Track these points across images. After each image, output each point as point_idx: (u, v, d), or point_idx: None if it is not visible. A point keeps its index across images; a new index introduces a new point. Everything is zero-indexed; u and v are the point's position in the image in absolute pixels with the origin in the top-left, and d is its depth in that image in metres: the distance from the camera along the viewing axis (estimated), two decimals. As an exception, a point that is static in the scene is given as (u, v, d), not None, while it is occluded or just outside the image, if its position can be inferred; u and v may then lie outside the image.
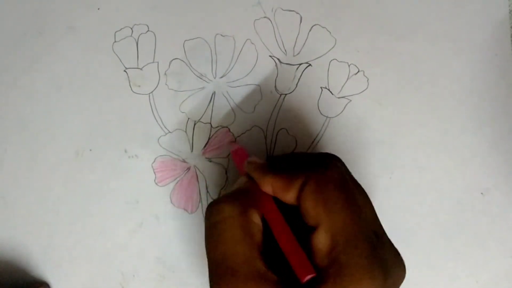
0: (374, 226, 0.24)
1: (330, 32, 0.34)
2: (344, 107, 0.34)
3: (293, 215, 0.25)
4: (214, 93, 0.33)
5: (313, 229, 0.23)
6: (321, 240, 0.23)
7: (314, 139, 0.34)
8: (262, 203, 0.25)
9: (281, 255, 0.24)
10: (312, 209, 0.23)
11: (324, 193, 0.23)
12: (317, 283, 0.22)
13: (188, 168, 0.33)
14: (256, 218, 0.24)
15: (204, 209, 0.33)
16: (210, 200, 0.33)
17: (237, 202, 0.24)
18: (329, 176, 0.24)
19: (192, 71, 0.34)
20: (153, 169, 0.33)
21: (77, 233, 0.33)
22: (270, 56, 0.34)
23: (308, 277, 0.22)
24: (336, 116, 0.34)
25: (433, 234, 0.33)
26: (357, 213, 0.23)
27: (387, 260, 0.23)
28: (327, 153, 0.27)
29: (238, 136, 0.33)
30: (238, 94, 0.34)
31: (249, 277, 0.22)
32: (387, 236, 0.25)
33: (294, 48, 0.34)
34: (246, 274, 0.22)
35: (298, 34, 0.34)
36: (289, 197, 0.25)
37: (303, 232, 0.24)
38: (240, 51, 0.34)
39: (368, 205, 0.25)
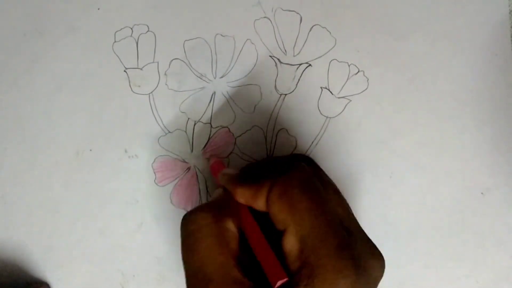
0: (346, 223, 0.24)
1: (330, 32, 0.34)
2: (344, 107, 0.34)
3: (269, 222, 0.25)
4: (214, 93, 0.33)
5: (282, 233, 0.23)
6: (290, 243, 0.23)
7: (314, 139, 0.34)
8: (237, 213, 0.25)
9: (258, 262, 0.24)
10: (279, 213, 0.23)
11: (288, 196, 0.23)
12: (291, 287, 0.22)
13: (188, 168, 0.33)
14: (231, 226, 0.24)
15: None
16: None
17: (212, 211, 0.24)
18: (292, 179, 0.24)
19: (192, 71, 0.34)
20: (153, 169, 0.33)
21: (77, 233, 0.33)
22: (270, 56, 0.34)
23: (280, 282, 0.22)
24: (336, 116, 0.34)
25: (433, 234, 0.33)
26: (323, 212, 0.23)
27: (360, 257, 0.22)
28: (295, 155, 0.27)
29: (238, 136, 0.33)
30: (238, 94, 0.34)
31: (224, 284, 0.22)
32: (362, 232, 0.25)
33: (294, 48, 0.34)
34: (222, 281, 0.22)
35: (298, 34, 0.34)
36: (259, 205, 0.25)
37: (277, 237, 0.24)
38: (240, 51, 0.34)
39: (339, 202, 0.25)
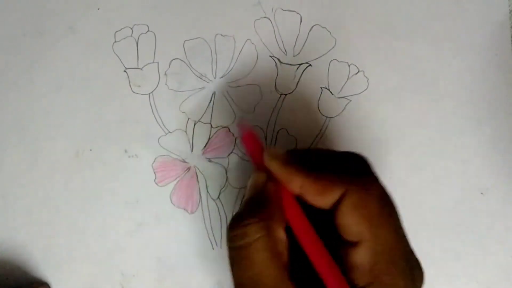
0: (408, 243, 0.24)
1: (330, 32, 0.34)
2: (344, 107, 0.34)
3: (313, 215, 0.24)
4: (214, 93, 0.33)
5: (350, 243, 0.23)
6: (363, 257, 0.22)
7: (314, 139, 0.34)
8: (286, 208, 0.23)
9: (307, 267, 0.23)
10: (354, 225, 0.22)
11: (367, 209, 0.22)
12: None
13: (188, 168, 0.33)
14: (281, 234, 0.23)
15: (204, 209, 0.33)
16: (210, 200, 0.33)
17: (262, 220, 0.22)
18: (370, 189, 0.23)
19: (192, 71, 0.34)
20: (153, 169, 0.33)
21: (77, 233, 0.33)
22: (270, 56, 0.34)
23: None
24: (336, 116, 0.34)
25: (433, 234, 0.33)
26: (398, 230, 0.23)
27: (417, 279, 0.23)
28: (361, 157, 0.25)
29: (238, 136, 0.33)
30: (238, 94, 0.34)
31: None
32: (414, 251, 0.24)
33: (294, 48, 0.34)
34: None
35: (298, 34, 0.34)
36: (322, 203, 0.23)
37: (332, 241, 0.23)
38: (240, 51, 0.34)
39: (401, 219, 0.24)
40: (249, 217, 0.23)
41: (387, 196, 0.23)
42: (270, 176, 0.24)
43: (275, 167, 0.24)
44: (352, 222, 0.22)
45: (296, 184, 0.23)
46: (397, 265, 0.22)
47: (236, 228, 0.23)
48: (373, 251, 0.22)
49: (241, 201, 0.25)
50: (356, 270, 0.22)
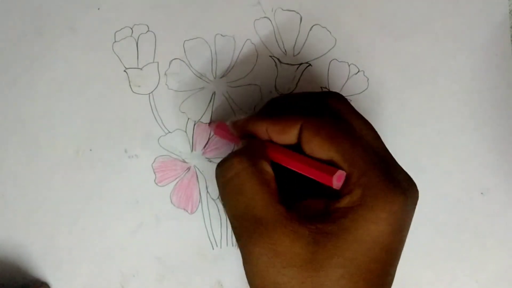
0: (381, 151, 0.25)
1: (330, 32, 0.34)
2: (344, 107, 0.34)
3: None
4: (214, 93, 0.33)
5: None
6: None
7: (314, 139, 0.33)
8: (266, 149, 0.26)
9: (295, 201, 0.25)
10: (319, 148, 0.24)
11: (326, 131, 0.24)
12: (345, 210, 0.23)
13: (188, 168, 0.33)
14: (267, 167, 0.25)
15: (204, 209, 0.33)
16: (210, 200, 0.33)
17: (244, 155, 0.25)
18: (325, 117, 0.25)
19: (192, 71, 0.34)
20: (153, 169, 0.33)
21: (77, 233, 0.33)
22: (270, 56, 0.34)
23: (339, 173, 0.23)
24: (336, 116, 0.34)
25: (433, 234, 0.33)
26: (362, 140, 0.24)
27: (401, 180, 0.24)
28: (325, 93, 0.28)
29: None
30: (238, 94, 0.34)
31: (274, 221, 0.23)
32: (394, 159, 0.25)
33: (294, 48, 0.34)
34: (272, 218, 0.23)
35: (298, 34, 0.34)
36: (289, 139, 0.25)
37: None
38: (240, 51, 0.34)
39: (370, 132, 0.26)
40: (235, 155, 0.25)
41: (341, 118, 0.26)
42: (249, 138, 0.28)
43: (240, 127, 0.28)
44: (317, 146, 0.24)
45: (262, 129, 0.26)
46: (376, 170, 0.23)
47: (224, 163, 0.25)
48: (347, 163, 0.23)
49: None
50: (344, 188, 0.23)
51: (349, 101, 0.27)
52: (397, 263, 0.24)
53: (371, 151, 0.24)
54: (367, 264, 0.22)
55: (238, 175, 0.24)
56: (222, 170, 0.25)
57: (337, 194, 0.24)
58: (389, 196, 0.22)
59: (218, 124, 0.32)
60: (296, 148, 0.25)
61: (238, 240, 0.24)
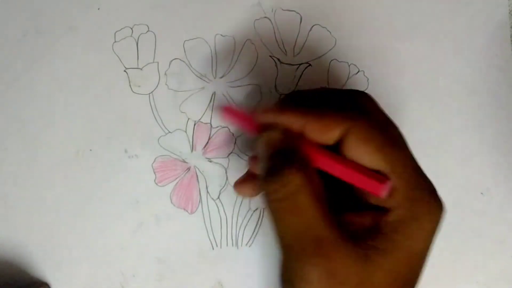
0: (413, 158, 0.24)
1: (330, 32, 0.34)
2: (344, 107, 0.34)
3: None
4: (214, 93, 0.33)
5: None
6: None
7: (314, 139, 0.33)
8: (307, 150, 0.23)
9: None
10: (366, 156, 0.22)
11: (375, 139, 0.23)
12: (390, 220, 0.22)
13: (188, 168, 0.33)
14: (318, 177, 0.23)
15: (204, 209, 0.33)
16: (210, 200, 0.33)
17: (301, 166, 0.22)
18: (373, 120, 0.23)
19: (192, 71, 0.34)
20: (153, 169, 0.33)
21: (77, 233, 0.33)
22: (270, 56, 0.34)
23: (389, 183, 0.22)
24: (336, 116, 0.34)
25: (433, 234, 0.33)
26: (408, 150, 0.24)
27: (435, 190, 0.24)
28: (353, 91, 0.26)
29: (238, 136, 0.33)
30: (238, 94, 0.34)
31: (336, 240, 0.21)
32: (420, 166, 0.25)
33: (294, 48, 0.34)
34: (334, 238, 0.22)
35: (298, 34, 0.34)
36: (327, 139, 0.23)
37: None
38: (240, 51, 0.34)
39: (404, 139, 0.25)
40: (286, 167, 0.22)
41: (392, 123, 0.25)
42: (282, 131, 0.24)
43: (271, 117, 0.24)
44: (365, 155, 0.22)
45: (298, 124, 0.23)
46: (423, 185, 0.23)
47: (275, 176, 0.22)
48: (396, 174, 0.22)
49: (257, 161, 0.24)
50: (390, 200, 0.23)
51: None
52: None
53: (415, 162, 0.23)
54: (410, 274, 0.23)
55: (297, 193, 0.22)
56: (276, 186, 0.22)
57: (381, 208, 0.23)
58: (433, 208, 0.22)
59: (225, 107, 0.27)
60: (332, 149, 0.24)
61: (291, 259, 0.22)
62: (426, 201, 0.22)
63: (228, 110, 0.27)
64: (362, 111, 0.24)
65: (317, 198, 0.22)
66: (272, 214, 0.22)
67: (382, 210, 0.23)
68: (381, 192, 0.22)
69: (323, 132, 0.23)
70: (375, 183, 0.22)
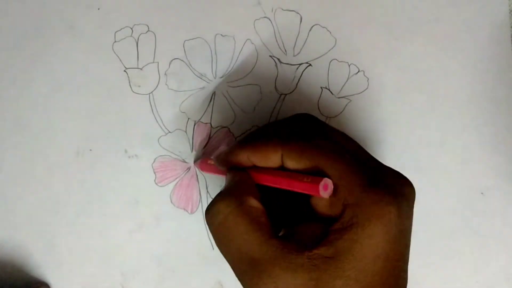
0: (364, 159, 0.25)
1: (330, 32, 0.34)
2: (344, 107, 0.34)
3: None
4: (214, 93, 0.33)
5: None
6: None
7: (314, 139, 0.33)
8: (250, 179, 0.26)
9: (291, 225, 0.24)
10: (305, 169, 0.24)
11: (307, 152, 0.24)
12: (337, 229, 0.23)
13: (188, 168, 0.33)
14: (254, 203, 0.24)
15: (204, 209, 0.33)
16: (210, 200, 0.33)
17: (230, 196, 0.24)
18: (304, 139, 0.25)
19: (192, 71, 0.34)
20: (153, 169, 0.33)
21: (77, 233, 0.33)
22: (270, 56, 0.34)
23: (324, 181, 0.22)
24: (336, 116, 0.34)
25: (433, 234, 0.33)
26: (343, 154, 0.24)
27: (391, 185, 0.23)
28: (296, 116, 0.28)
29: (238, 136, 0.33)
30: (238, 94, 0.34)
31: (272, 257, 0.22)
32: (381, 164, 0.25)
33: (294, 48, 0.34)
34: (269, 256, 0.22)
35: (298, 34, 0.34)
36: (271, 163, 0.25)
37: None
38: (240, 51, 0.34)
39: (349, 143, 0.26)
40: (219, 198, 0.25)
41: (334, 134, 0.26)
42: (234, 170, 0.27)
43: (223, 160, 0.28)
44: (302, 168, 0.24)
45: (244, 158, 0.26)
46: (358, 185, 0.23)
47: (210, 209, 0.24)
48: (334, 178, 0.23)
49: None
50: (334, 209, 0.23)
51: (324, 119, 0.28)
52: (407, 264, 0.24)
53: (353, 164, 0.24)
54: (373, 277, 0.22)
55: (226, 219, 0.24)
56: (210, 217, 0.24)
57: (332, 219, 0.23)
58: (380, 208, 0.22)
59: (201, 160, 0.32)
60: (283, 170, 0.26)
61: (241, 283, 0.24)
62: (372, 202, 0.22)
63: (203, 163, 0.31)
64: (296, 133, 0.26)
65: (248, 222, 0.23)
66: (215, 240, 0.25)
67: (333, 220, 0.23)
68: (319, 191, 0.22)
69: (265, 159, 0.25)
70: (311, 185, 0.23)
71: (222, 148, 0.30)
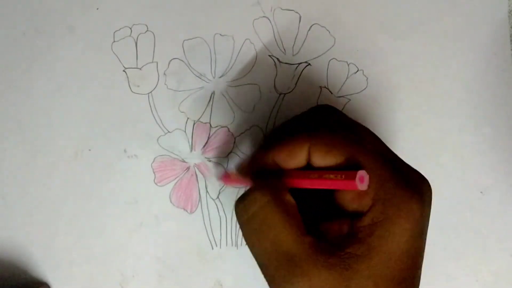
0: (389, 155, 0.25)
1: (329, 31, 0.34)
2: (344, 107, 0.34)
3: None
4: (213, 93, 0.33)
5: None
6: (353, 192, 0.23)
7: (314, 139, 0.33)
8: (282, 178, 0.25)
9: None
10: (335, 164, 0.24)
11: (336, 146, 0.24)
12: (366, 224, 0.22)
13: (188, 168, 0.33)
14: (289, 197, 0.24)
15: (204, 209, 0.33)
16: (210, 200, 0.33)
17: (266, 187, 0.24)
18: (332, 133, 0.25)
19: (191, 71, 0.34)
20: (153, 169, 0.33)
21: (77, 233, 0.33)
22: (269, 55, 0.34)
23: (360, 173, 0.22)
24: (335, 115, 0.34)
25: (433, 234, 0.33)
26: (371, 149, 0.24)
27: (415, 182, 0.24)
28: (317, 107, 0.28)
29: (238, 136, 0.33)
30: (237, 93, 0.34)
31: (308, 255, 0.22)
32: (401, 159, 0.25)
33: (293, 47, 0.34)
34: (305, 253, 0.22)
35: (297, 34, 0.34)
36: (298, 163, 0.25)
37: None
38: (239, 51, 0.34)
39: (373, 138, 0.25)
40: (256, 189, 0.24)
41: (357, 127, 0.26)
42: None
43: (246, 169, 0.27)
44: (332, 164, 0.24)
45: (268, 161, 0.25)
46: (391, 181, 0.23)
47: (245, 198, 0.24)
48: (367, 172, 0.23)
49: None
50: (362, 205, 0.23)
51: (348, 100, 0.27)
52: (422, 262, 0.24)
53: (381, 158, 0.24)
54: (399, 273, 0.22)
55: (263, 209, 0.23)
56: (245, 205, 0.23)
57: (358, 214, 0.23)
58: (409, 204, 0.22)
59: (224, 175, 0.32)
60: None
61: (270, 281, 0.23)
62: (401, 198, 0.22)
63: (226, 177, 0.32)
64: (323, 125, 0.26)
65: (285, 215, 0.23)
66: (244, 236, 0.24)
67: (360, 216, 0.23)
68: (357, 185, 0.22)
69: (291, 159, 0.25)
70: (345, 180, 0.22)
71: (240, 158, 0.29)
